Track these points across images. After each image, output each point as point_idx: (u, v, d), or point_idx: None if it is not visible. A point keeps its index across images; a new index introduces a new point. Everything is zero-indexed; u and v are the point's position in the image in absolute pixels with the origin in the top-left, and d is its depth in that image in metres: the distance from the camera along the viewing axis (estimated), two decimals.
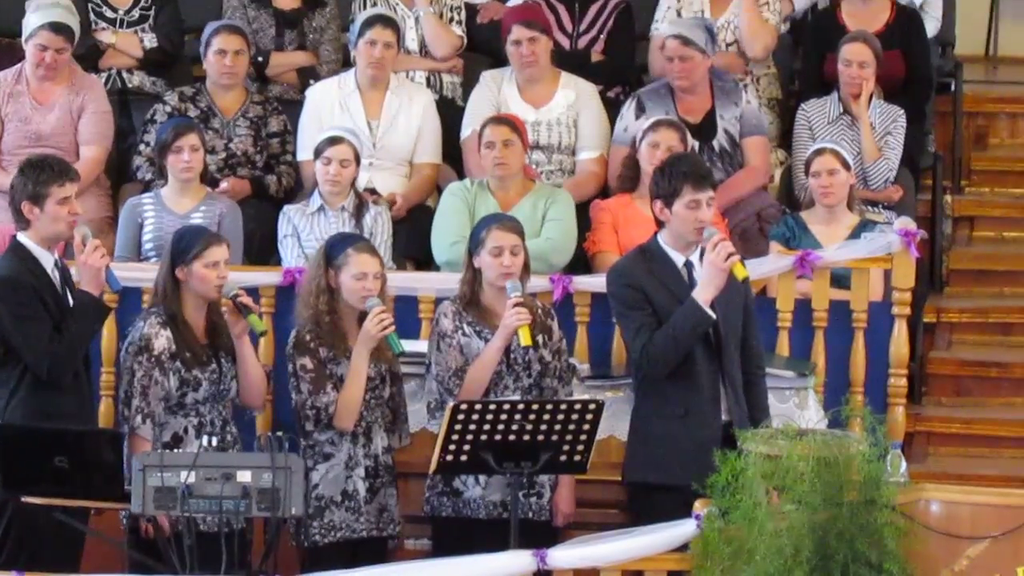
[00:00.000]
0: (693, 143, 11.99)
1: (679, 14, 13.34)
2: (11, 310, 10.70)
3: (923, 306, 12.26)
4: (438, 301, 11.21)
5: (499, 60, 12.91)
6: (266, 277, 11.54)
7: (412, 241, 12.21)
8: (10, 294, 10.75)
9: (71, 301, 10.83)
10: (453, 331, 10.78)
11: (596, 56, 13.20)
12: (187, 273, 10.63)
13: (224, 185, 12.21)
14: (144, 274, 11.11)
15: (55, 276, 10.85)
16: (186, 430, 10.75)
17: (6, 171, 11.88)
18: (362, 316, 10.56)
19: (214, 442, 10.44)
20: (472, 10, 13.47)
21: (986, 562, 9.80)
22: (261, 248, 12.09)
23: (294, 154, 12.58)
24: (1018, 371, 12.64)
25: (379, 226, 11.93)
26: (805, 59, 13.34)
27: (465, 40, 13.33)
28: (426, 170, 12.61)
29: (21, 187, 10.83)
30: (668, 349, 10.47)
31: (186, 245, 10.70)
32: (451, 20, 13.22)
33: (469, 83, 13.01)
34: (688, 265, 10.54)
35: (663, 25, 13.22)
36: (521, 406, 10.35)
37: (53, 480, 10.52)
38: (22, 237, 10.89)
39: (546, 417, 10.31)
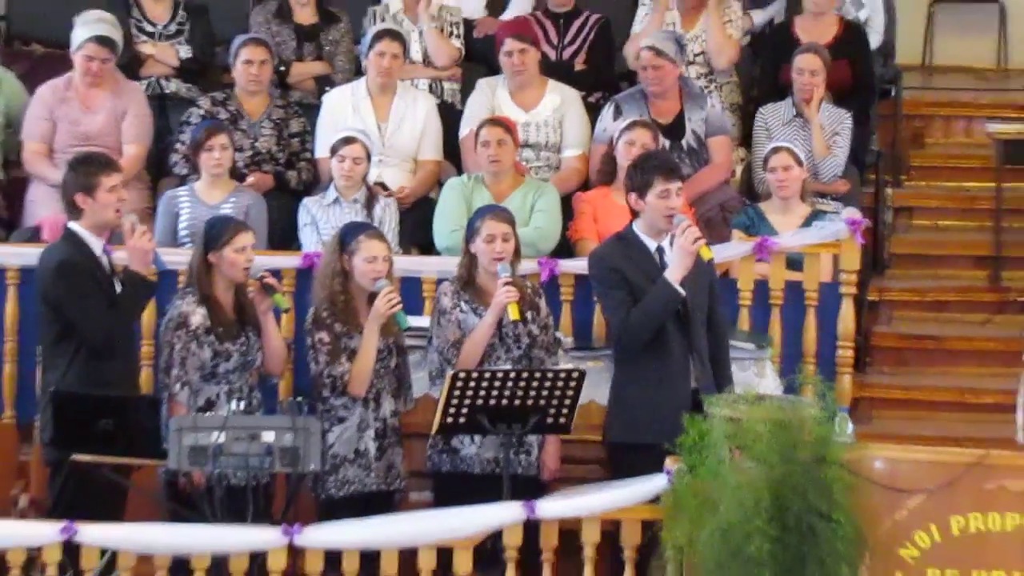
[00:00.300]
0: (664, 142, 11.91)
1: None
2: (70, 290, 10.59)
3: (867, 286, 12.18)
4: (439, 282, 11.09)
5: (493, 69, 12.78)
6: (288, 261, 11.43)
7: (416, 229, 12.12)
8: (68, 276, 10.64)
9: (117, 283, 10.72)
10: (452, 308, 10.68)
11: (579, 66, 13.06)
12: (218, 257, 10.54)
13: (250, 179, 12.10)
14: (180, 258, 10.97)
15: (104, 260, 10.72)
16: (218, 396, 10.64)
17: (57, 167, 11.59)
18: (372, 296, 10.47)
19: (242, 406, 10.49)
20: (469, 25, 13.33)
21: (923, 512, 9.61)
22: (283, 235, 11.96)
23: (312, 152, 12.43)
24: (951, 343, 12.58)
25: (387, 216, 11.86)
26: (763, 68, 13.23)
27: (463, 51, 13.20)
28: (429, 166, 12.50)
29: (73, 180, 10.75)
30: (643, 324, 10.36)
31: (217, 232, 10.62)
32: (451, 34, 13.12)
33: (467, 89, 12.89)
34: (660, 250, 10.42)
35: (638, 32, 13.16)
36: (512, 374, 10.28)
37: (100, 440, 10.43)
38: (74, 226, 10.76)
39: (534, 384, 10.24)
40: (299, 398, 10.58)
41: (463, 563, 9.81)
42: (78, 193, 10.70)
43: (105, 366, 10.73)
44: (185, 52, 12.87)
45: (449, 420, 10.26)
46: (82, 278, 10.65)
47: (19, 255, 11.37)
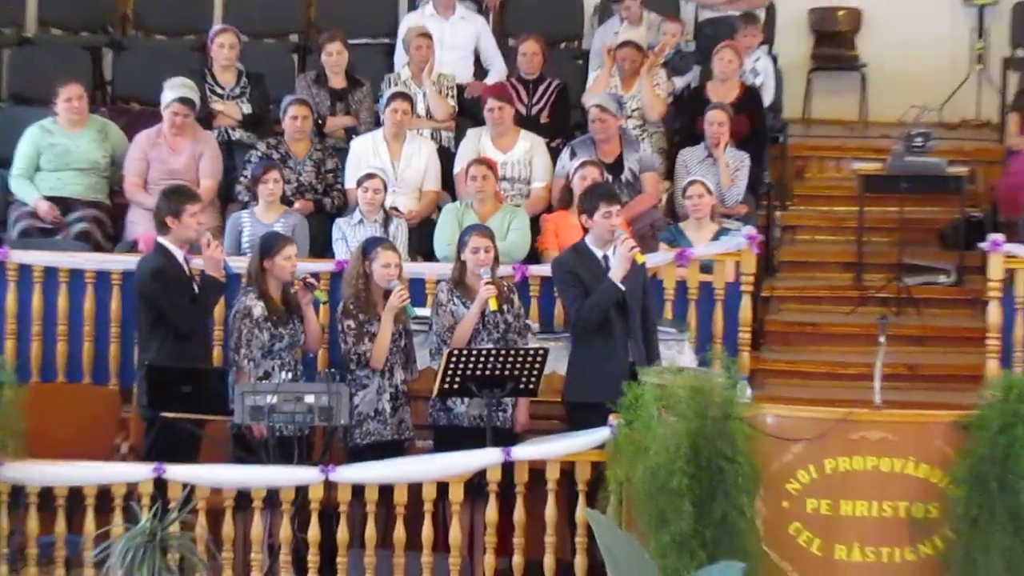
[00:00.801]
0: (608, 176, 11.77)
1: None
2: (162, 289, 10.65)
3: (761, 285, 12.08)
4: (438, 282, 11.03)
5: (479, 121, 12.61)
6: (324, 266, 11.36)
7: (421, 242, 12.03)
8: (159, 279, 10.68)
9: (195, 285, 10.79)
10: (447, 302, 10.67)
11: (543, 119, 12.98)
12: (271, 264, 10.54)
13: (296, 205, 12.01)
14: (242, 264, 10.93)
15: (185, 266, 10.75)
16: (272, 368, 10.61)
17: (150, 196, 11.61)
18: (386, 292, 10.45)
19: (290, 376, 10.60)
20: (461, 88, 13.22)
21: (803, 456, 9.57)
22: (321, 247, 11.86)
23: (343, 184, 12.30)
24: (824, 328, 12.59)
25: (399, 232, 11.78)
26: (683, 121, 13.10)
27: (456, 108, 13.08)
28: (430, 195, 12.40)
29: (164, 206, 10.78)
30: (593, 312, 10.36)
31: (270, 245, 10.64)
32: (446, 95, 13.01)
33: (459, 136, 12.80)
34: (605, 257, 10.39)
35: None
36: (493, 352, 10.34)
37: (182, 402, 10.45)
38: (163, 240, 10.78)
39: (510, 359, 10.29)
40: (332, 369, 10.68)
41: (456, 494, 9.81)
42: (168, 216, 10.73)
43: (186, 346, 10.75)
44: (246, 109, 12.80)
45: (445, 386, 10.29)
46: (169, 280, 10.68)
47: (121, 262, 11.34)
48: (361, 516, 9.90)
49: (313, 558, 9.86)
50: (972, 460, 9.51)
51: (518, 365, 10.34)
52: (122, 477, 9.91)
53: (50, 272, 11.49)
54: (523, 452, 9.96)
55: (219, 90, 12.86)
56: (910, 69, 14.20)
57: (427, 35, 13.07)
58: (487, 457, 9.91)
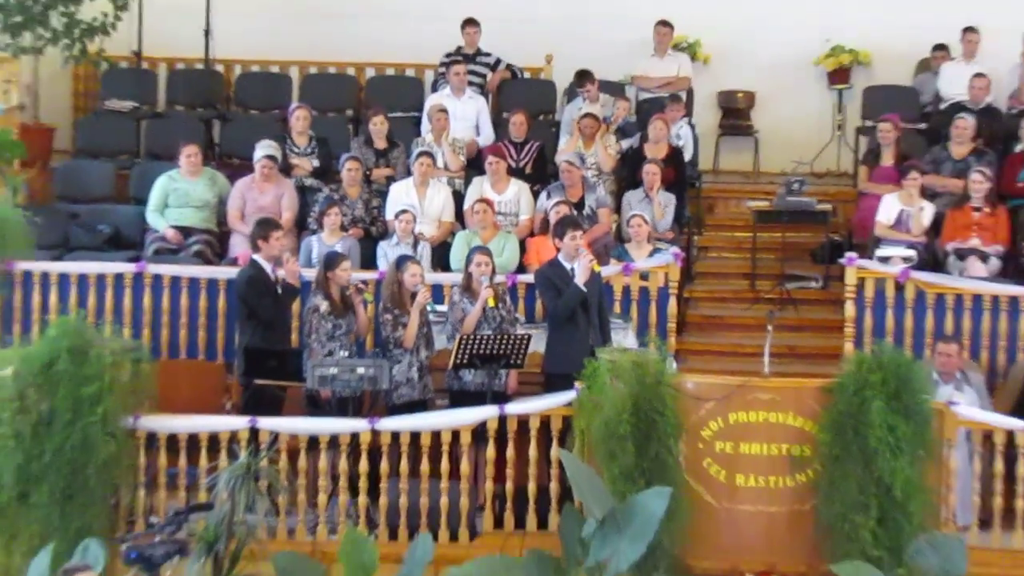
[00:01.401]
0: (573, 211, 11.68)
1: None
2: (254, 292, 10.63)
3: (683, 289, 11.96)
4: (452, 287, 10.96)
5: (481, 171, 12.53)
6: (370, 275, 11.22)
7: (440, 258, 11.97)
8: (253, 285, 10.66)
9: (279, 289, 10.74)
10: (458, 301, 10.61)
11: (528, 170, 12.86)
12: (332, 274, 10.51)
13: (351, 232, 11.93)
14: (312, 275, 10.83)
15: (272, 276, 10.69)
16: (334, 348, 10.50)
17: (246, 225, 11.57)
18: (413, 294, 10.39)
19: (346, 353, 10.48)
20: (470, 147, 13.09)
21: (713, 411, 9.58)
22: (368, 262, 11.75)
23: (384, 217, 12.20)
24: (729, 320, 12.48)
25: (424, 251, 11.74)
26: (627, 172, 12.91)
27: (464, 162, 12.96)
28: (447, 225, 12.29)
29: (256, 232, 10.80)
30: (564, 308, 10.31)
31: (331, 260, 10.62)
32: (458, 153, 12.93)
33: (467, 183, 12.67)
34: (572, 269, 10.35)
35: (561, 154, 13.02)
36: (491, 336, 10.29)
37: (269, 372, 10.45)
38: (256, 257, 10.76)
39: (503, 342, 10.25)
40: (377, 349, 10.74)
41: (465, 438, 9.76)
42: (259, 239, 10.72)
43: (271, 333, 10.69)
44: (315, 163, 12.74)
45: (458, 361, 10.25)
46: (259, 286, 10.65)
47: (225, 273, 11.33)
48: (397, 454, 9.84)
49: (363, 484, 9.83)
50: (834, 414, 9.52)
51: (509, 346, 10.29)
52: (226, 426, 9.88)
53: (175, 280, 11.45)
54: (513, 408, 9.93)
55: (295, 149, 12.80)
56: (789, 134, 14.18)
57: (444, 110, 13.01)
58: (487, 412, 9.89)
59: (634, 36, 13.86)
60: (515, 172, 12.56)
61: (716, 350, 11.90)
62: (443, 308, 10.86)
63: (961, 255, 11.76)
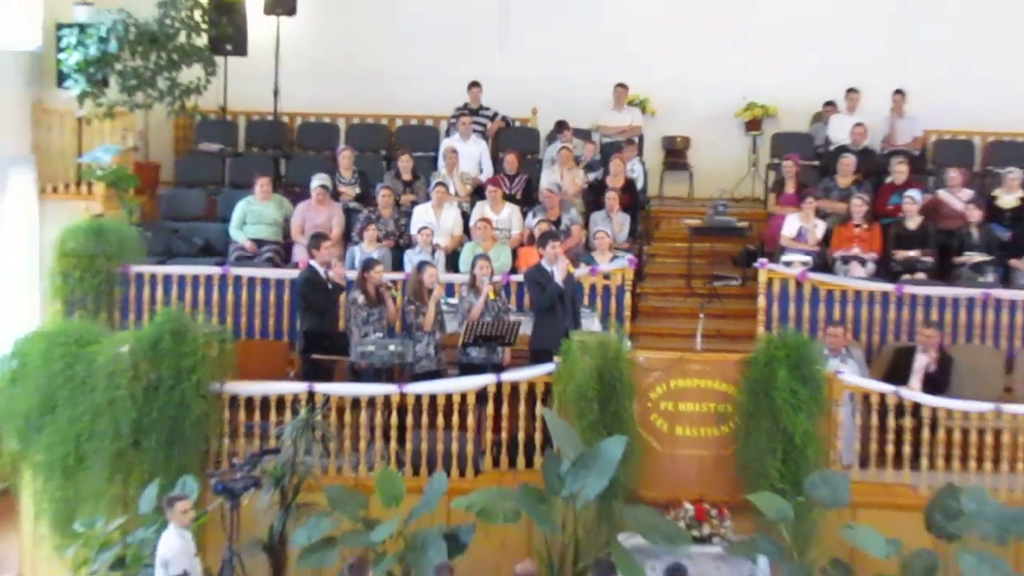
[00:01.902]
0: (553, 227, 11.60)
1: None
2: (311, 289, 10.57)
3: (636, 286, 11.85)
4: (461, 285, 10.85)
5: (483, 197, 12.47)
6: (397, 276, 11.08)
7: (452, 263, 11.84)
8: (310, 283, 10.60)
9: (329, 286, 10.67)
10: (466, 296, 10.52)
11: (518, 196, 12.72)
12: (368, 275, 10.42)
13: (384, 243, 11.85)
14: (353, 275, 10.77)
15: (324, 277, 10.62)
16: (370, 331, 10.37)
17: (304, 239, 11.57)
18: (430, 291, 10.30)
19: (380, 335, 10.36)
20: (475, 180, 13.01)
21: (658, 379, 9.64)
22: (397, 266, 11.59)
23: (409, 232, 12.06)
24: (671, 309, 12.33)
25: (440, 258, 11.64)
26: (592, 197, 12.75)
27: (470, 190, 12.87)
28: (457, 237, 12.14)
29: (312, 242, 10.83)
30: (546, 300, 10.23)
31: (368, 264, 10.56)
32: (466, 184, 12.86)
33: (472, 206, 12.52)
34: (552, 271, 10.27)
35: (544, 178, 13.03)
36: (491, 322, 10.22)
37: (323, 349, 10.38)
38: (312, 262, 10.75)
39: (500, 326, 10.19)
40: (403, 331, 10.52)
41: (471, 399, 9.74)
42: (313, 249, 10.71)
43: (324, 320, 10.64)
44: (357, 191, 12.69)
45: (465, 341, 10.19)
46: (315, 285, 10.59)
47: (290, 274, 11.23)
48: (419, 411, 9.77)
49: (393, 434, 9.82)
50: (749, 381, 9.56)
51: (505, 329, 10.21)
52: (289, 390, 9.86)
53: (251, 280, 11.37)
54: (507, 376, 9.86)
55: (342, 180, 12.73)
56: (716, 169, 14.15)
57: (454, 151, 12.96)
58: (487, 379, 9.85)
59: (599, 95, 13.82)
60: (508, 197, 12.46)
61: (661, 332, 11.77)
62: (454, 301, 10.78)
63: (845, 261, 11.75)
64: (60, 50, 12.75)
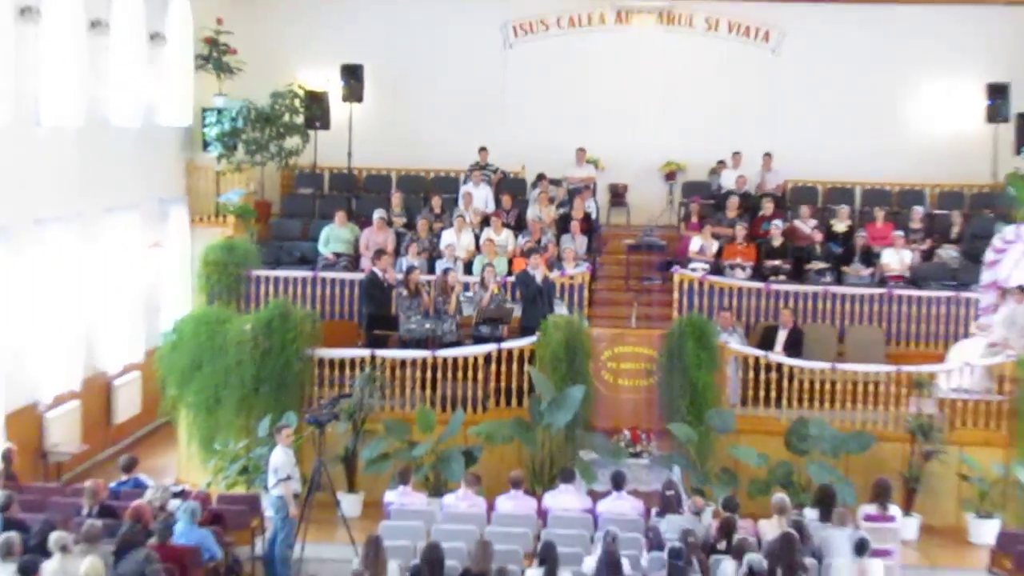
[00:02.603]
0: (535, 245, 11.51)
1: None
2: (373, 287, 10.39)
3: (592, 284, 11.57)
4: (474, 283, 10.74)
5: (489, 225, 12.15)
6: (430, 278, 10.85)
7: (467, 269, 11.52)
8: (373, 283, 10.41)
9: (385, 285, 10.42)
10: (478, 291, 10.40)
11: (512, 224, 12.37)
12: (410, 277, 10.28)
13: (422, 255, 11.57)
14: (400, 277, 10.59)
15: (381, 278, 10.43)
16: (411, 315, 10.18)
17: (369, 252, 11.31)
18: (452, 287, 10.23)
19: (418, 317, 10.17)
20: (483, 213, 12.63)
21: (606, 346, 9.64)
22: (430, 270, 11.34)
23: (439, 247, 11.78)
24: (614, 300, 11.96)
25: (459, 265, 11.41)
26: (562, 225, 12.30)
27: (480, 220, 12.48)
28: (471, 252, 11.80)
29: (373, 256, 10.60)
30: (531, 294, 10.13)
31: (410, 270, 10.43)
32: (477, 216, 12.55)
33: (481, 229, 12.16)
34: (535, 275, 10.19)
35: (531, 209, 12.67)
36: (495, 308, 10.09)
37: (380, 327, 10.28)
38: (373, 268, 10.56)
39: (501, 311, 10.11)
40: (434, 315, 10.25)
41: (481, 360, 9.64)
42: (375, 259, 10.53)
43: (381, 307, 10.45)
44: (404, 220, 12.51)
45: (477, 321, 10.11)
46: (375, 284, 10.42)
47: (358, 277, 11.02)
48: (446, 368, 9.71)
49: (428, 383, 9.72)
50: (667, 348, 9.58)
51: (504, 313, 10.14)
52: (358, 354, 9.79)
53: (332, 280, 11.27)
54: (505, 345, 9.79)
55: (394, 213, 12.56)
56: (645, 205, 13.87)
57: (470, 193, 12.77)
58: (492, 347, 9.77)
59: (566, 155, 13.68)
60: (506, 225, 12.30)
61: (608, 316, 11.61)
62: (469, 294, 10.66)
63: (731, 267, 11.70)
64: (204, 126, 12.76)
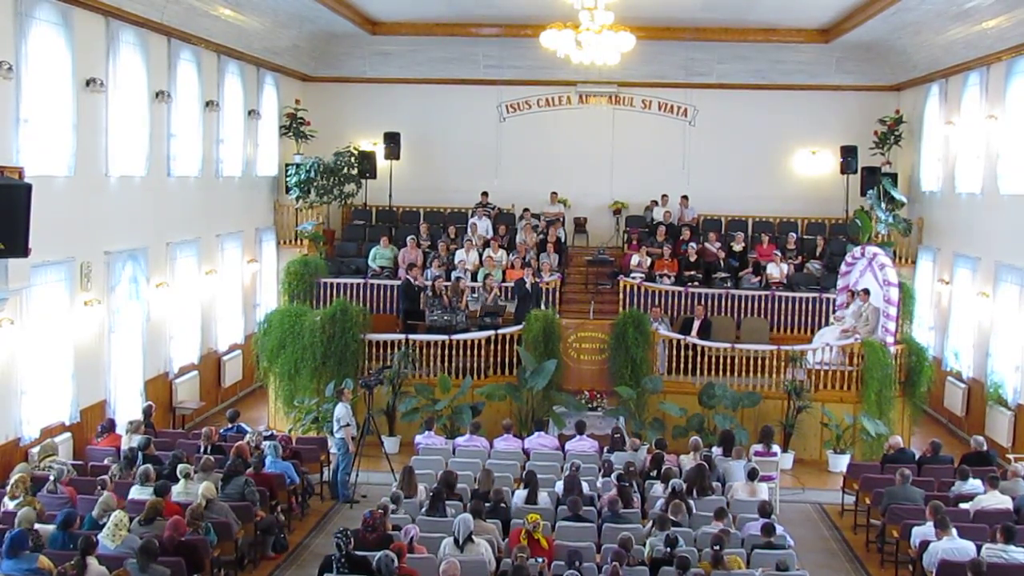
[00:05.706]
0: (521, 260, 11.40)
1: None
2: (408, 290, 10.17)
3: (561, 288, 11.51)
4: (479, 286, 10.62)
5: (488, 246, 11.97)
6: (447, 284, 10.62)
7: (474, 277, 11.23)
8: (408, 287, 10.21)
9: (416, 288, 10.18)
10: (480, 292, 10.27)
11: (506, 245, 12.17)
12: (434, 283, 10.14)
13: (442, 267, 11.29)
14: (428, 283, 10.45)
15: (414, 283, 10.25)
16: (435, 309, 9.98)
17: (404, 264, 11.19)
18: (463, 290, 10.09)
19: (439, 311, 9.96)
20: (485, 239, 12.35)
21: (572, 332, 9.45)
22: (448, 278, 10.96)
23: (455, 262, 11.58)
24: (577, 299, 11.81)
25: (468, 275, 11.20)
26: (541, 245, 12.20)
27: (483, 242, 12.18)
28: (476, 264, 11.55)
29: (407, 268, 10.51)
30: (519, 294, 10.00)
31: (434, 278, 10.23)
32: (482, 239, 12.24)
33: (484, 249, 11.89)
34: (523, 281, 10.00)
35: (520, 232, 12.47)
36: (494, 305, 9.92)
37: (414, 318, 10.08)
38: (407, 276, 10.45)
39: (498, 307, 9.94)
40: (451, 310, 10.06)
41: (484, 342, 9.56)
42: (409, 270, 10.40)
43: (413, 304, 10.25)
44: (428, 243, 12.25)
45: (482, 315, 9.94)
46: (409, 288, 10.26)
47: (397, 282, 10.92)
48: (459, 348, 9.59)
49: (446, 358, 9.58)
50: (616, 332, 9.48)
51: (501, 309, 10.02)
52: (396, 338, 9.67)
53: (378, 286, 11.19)
54: (502, 331, 9.66)
55: (422, 238, 12.36)
56: (599, 233, 13.75)
57: (475, 224, 12.59)
58: (490, 332, 9.64)
59: (543, 196, 13.60)
60: (501, 246, 12.12)
61: (573, 311, 11.48)
62: (475, 296, 10.53)
63: (660, 277, 11.68)
64: (287, 176, 12.72)
